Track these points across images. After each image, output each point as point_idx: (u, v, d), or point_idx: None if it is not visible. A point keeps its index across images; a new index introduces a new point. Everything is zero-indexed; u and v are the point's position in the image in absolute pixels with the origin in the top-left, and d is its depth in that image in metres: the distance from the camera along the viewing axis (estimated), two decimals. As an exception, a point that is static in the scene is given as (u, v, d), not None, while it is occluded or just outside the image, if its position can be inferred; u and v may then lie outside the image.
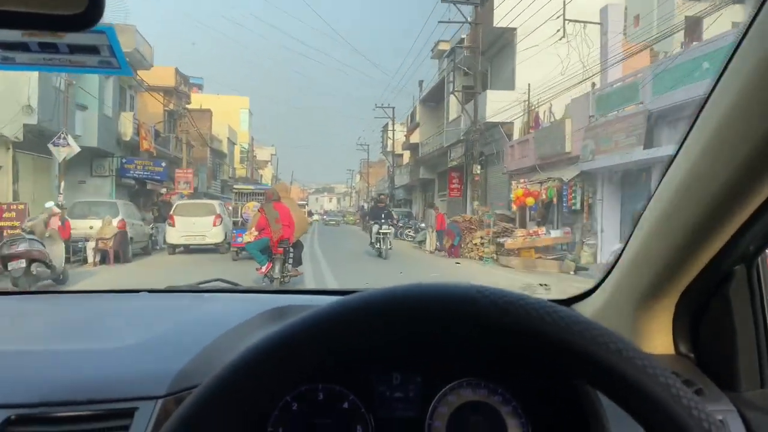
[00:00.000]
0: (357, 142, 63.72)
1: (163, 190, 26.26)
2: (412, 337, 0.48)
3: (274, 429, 0.88)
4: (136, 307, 1.43)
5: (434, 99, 34.26)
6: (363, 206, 69.98)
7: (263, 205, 9.67)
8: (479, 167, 22.31)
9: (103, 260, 14.12)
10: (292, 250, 9.41)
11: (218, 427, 0.43)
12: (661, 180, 0.92)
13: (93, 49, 0.77)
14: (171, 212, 17.45)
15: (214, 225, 16.95)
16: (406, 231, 26.40)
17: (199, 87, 47.28)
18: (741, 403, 0.92)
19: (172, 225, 16.87)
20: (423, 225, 23.60)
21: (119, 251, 14.31)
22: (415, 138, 37.69)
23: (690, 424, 0.42)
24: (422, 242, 20.93)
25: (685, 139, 0.84)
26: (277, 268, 8.98)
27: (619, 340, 0.45)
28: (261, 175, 70.75)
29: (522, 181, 19.50)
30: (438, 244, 18.99)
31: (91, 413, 0.83)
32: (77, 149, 16.17)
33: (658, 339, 1.03)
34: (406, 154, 44.94)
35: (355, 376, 0.91)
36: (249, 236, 9.77)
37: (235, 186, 20.30)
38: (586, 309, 1.15)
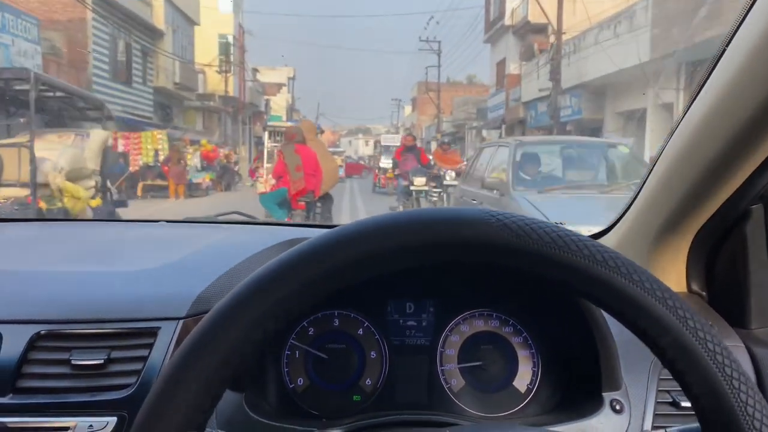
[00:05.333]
0: (420, 38, 37.57)
1: None
2: (423, 263, 0.47)
3: (290, 352, 0.91)
4: (155, 235, 1.46)
5: None
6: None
7: (282, 147, 7.40)
8: None
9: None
10: (318, 204, 7.12)
11: (233, 347, 0.43)
12: (683, 116, 0.90)
13: None
14: None
15: None
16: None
17: None
18: (749, 340, 0.93)
19: None
20: None
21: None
22: None
23: (696, 346, 0.43)
24: None
25: (708, 75, 0.83)
26: None
27: (622, 261, 0.46)
28: (267, 102, 45.46)
29: None
30: None
31: (117, 331, 0.86)
32: None
33: (672, 276, 1.03)
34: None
35: (370, 303, 0.94)
36: (263, 185, 7.80)
37: (268, 123, 15.24)
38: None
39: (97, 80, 17.19)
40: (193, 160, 19.18)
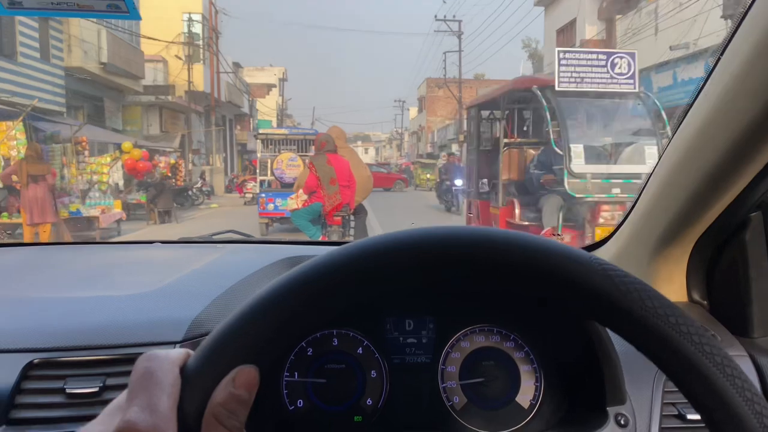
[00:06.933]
0: (436, 17, 31.13)
1: None
2: (425, 281, 0.46)
3: (289, 374, 0.89)
4: (150, 257, 1.45)
5: None
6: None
7: (313, 159, 6.66)
8: None
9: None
10: (352, 218, 6.59)
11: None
12: (679, 126, 0.89)
13: None
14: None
15: None
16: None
17: None
18: (753, 349, 0.92)
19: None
20: None
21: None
22: None
23: (709, 366, 0.42)
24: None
25: (704, 83, 0.82)
26: None
27: (630, 279, 0.45)
28: (252, 102, 39.39)
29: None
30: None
31: (112, 357, 0.84)
32: None
33: (672, 286, 1.03)
34: None
35: (369, 321, 0.92)
36: (295, 201, 6.51)
37: (260, 131, 13.46)
38: (601, 256, 1.17)
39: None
40: (113, 175, 11.89)
